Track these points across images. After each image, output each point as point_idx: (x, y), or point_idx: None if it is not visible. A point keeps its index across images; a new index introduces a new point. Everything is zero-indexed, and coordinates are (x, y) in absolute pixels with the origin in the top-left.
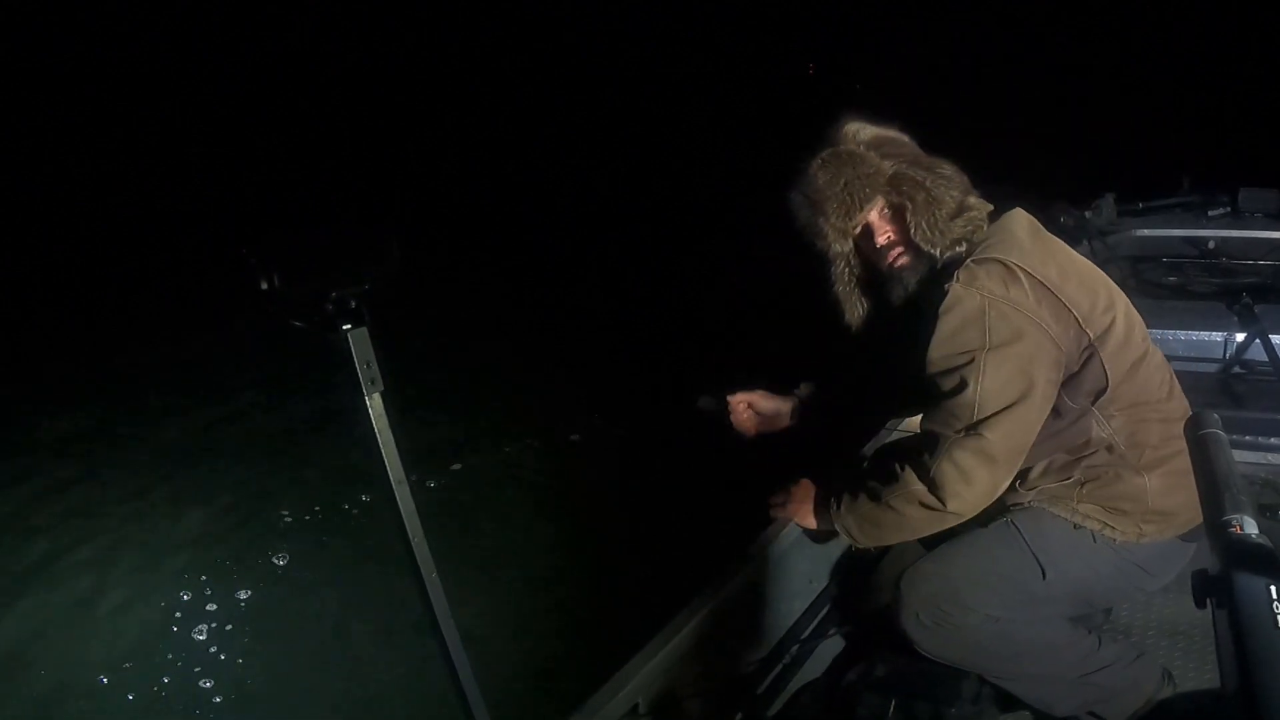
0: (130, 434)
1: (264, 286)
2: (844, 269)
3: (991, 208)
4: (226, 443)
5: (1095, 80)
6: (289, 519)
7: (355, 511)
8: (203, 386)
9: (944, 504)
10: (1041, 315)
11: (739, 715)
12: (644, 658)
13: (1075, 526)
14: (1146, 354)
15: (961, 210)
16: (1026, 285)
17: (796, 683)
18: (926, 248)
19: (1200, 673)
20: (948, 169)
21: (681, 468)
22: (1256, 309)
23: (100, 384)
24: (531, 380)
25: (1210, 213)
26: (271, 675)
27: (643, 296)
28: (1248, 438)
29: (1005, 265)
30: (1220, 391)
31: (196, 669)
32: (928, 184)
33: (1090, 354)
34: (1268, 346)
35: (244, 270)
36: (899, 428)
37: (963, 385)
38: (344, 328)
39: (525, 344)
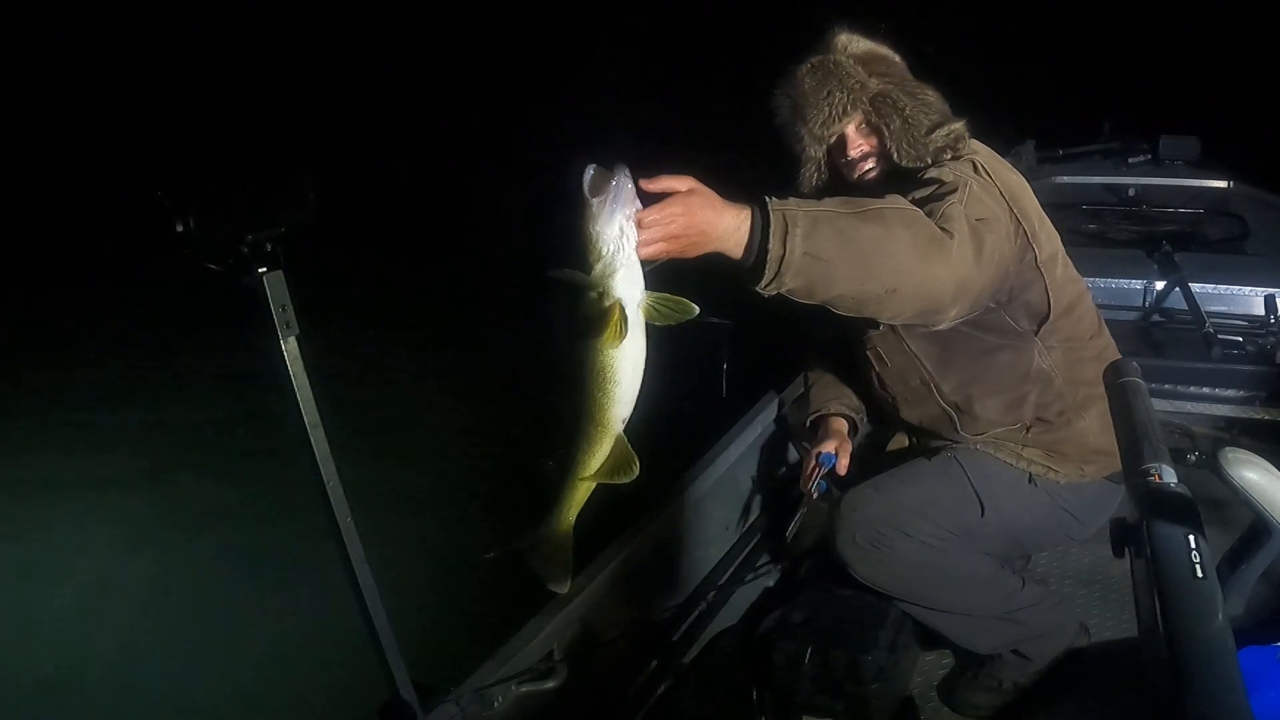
0: (40, 385)
1: (179, 229)
2: (813, 173)
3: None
4: (139, 392)
5: (1014, 24)
6: (202, 466)
7: (270, 457)
8: (116, 335)
9: (950, 235)
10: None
11: (654, 663)
12: (559, 605)
13: (1018, 470)
14: (1082, 294)
15: (939, 125)
16: (993, 184)
17: (712, 630)
18: (907, 163)
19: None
20: (930, 95)
21: None
22: (1176, 257)
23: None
24: (453, 326)
25: (1131, 160)
26: (180, 626)
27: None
28: (1167, 386)
29: (975, 165)
30: (1140, 339)
31: (99, 623)
32: (907, 110)
33: (1035, 273)
34: (1187, 294)
35: (158, 213)
36: None
37: (948, 190)
38: (259, 270)
39: (449, 291)
